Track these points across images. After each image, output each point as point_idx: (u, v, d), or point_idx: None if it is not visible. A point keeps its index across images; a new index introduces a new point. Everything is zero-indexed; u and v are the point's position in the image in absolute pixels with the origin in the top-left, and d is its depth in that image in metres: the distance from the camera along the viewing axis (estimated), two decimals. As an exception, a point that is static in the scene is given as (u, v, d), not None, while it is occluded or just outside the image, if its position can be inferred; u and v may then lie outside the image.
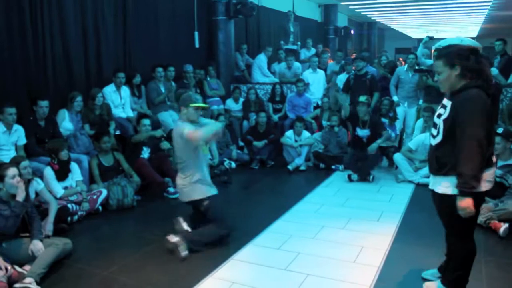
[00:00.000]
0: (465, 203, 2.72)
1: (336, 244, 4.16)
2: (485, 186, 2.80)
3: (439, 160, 2.88)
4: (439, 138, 2.87)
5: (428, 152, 3.07)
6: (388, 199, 5.55)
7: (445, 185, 2.87)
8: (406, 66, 7.67)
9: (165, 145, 6.13)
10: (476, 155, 2.68)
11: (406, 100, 7.55)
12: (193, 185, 4.15)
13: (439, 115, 2.89)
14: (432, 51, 7.89)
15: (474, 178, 2.70)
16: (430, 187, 3.02)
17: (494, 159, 2.88)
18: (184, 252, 3.90)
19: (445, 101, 2.89)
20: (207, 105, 4.22)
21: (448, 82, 2.84)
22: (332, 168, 6.93)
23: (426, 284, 3.31)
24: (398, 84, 7.64)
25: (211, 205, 4.17)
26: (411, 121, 7.47)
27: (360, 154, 6.45)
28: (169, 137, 6.44)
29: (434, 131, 2.93)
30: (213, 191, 4.25)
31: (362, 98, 6.43)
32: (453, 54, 2.81)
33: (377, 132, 6.43)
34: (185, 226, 4.24)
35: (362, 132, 6.48)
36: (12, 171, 3.65)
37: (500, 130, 4.75)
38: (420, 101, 7.47)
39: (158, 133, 6.08)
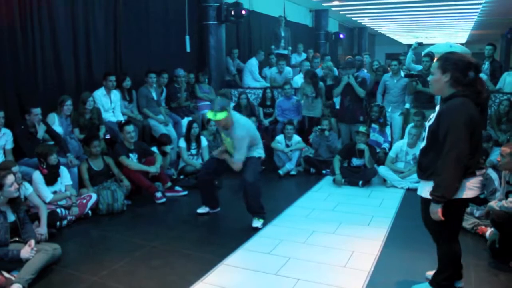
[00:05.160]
0: (434, 210, 2.81)
1: (326, 248, 4.17)
2: (467, 194, 2.84)
3: (422, 165, 2.96)
4: (423, 144, 2.96)
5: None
6: (378, 203, 5.57)
7: (427, 189, 2.91)
8: (390, 73, 7.73)
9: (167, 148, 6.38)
10: (452, 167, 2.72)
11: (390, 105, 7.56)
12: None
13: (429, 121, 2.95)
14: (422, 56, 7.96)
15: (447, 188, 2.76)
16: (418, 192, 3.08)
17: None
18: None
19: (438, 107, 2.93)
20: (216, 119, 4.54)
21: (437, 85, 2.89)
22: (323, 172, 6.94)
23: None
24: (385, 90, 7.68)
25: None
26: (397, 126, 7.51)
27: (355, 170, 6.48)
28: (160, 143, 6.44)
29: (424, 135, 3.00)
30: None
31: (362, 129, 6.44)
32: (450, 61, 2.82)
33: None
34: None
35: (358, 162, 6.50)
36: (10, 179, 3.67)
37: None
38: (407, 105, 7.51)
39: (152, 169, 5.78)
